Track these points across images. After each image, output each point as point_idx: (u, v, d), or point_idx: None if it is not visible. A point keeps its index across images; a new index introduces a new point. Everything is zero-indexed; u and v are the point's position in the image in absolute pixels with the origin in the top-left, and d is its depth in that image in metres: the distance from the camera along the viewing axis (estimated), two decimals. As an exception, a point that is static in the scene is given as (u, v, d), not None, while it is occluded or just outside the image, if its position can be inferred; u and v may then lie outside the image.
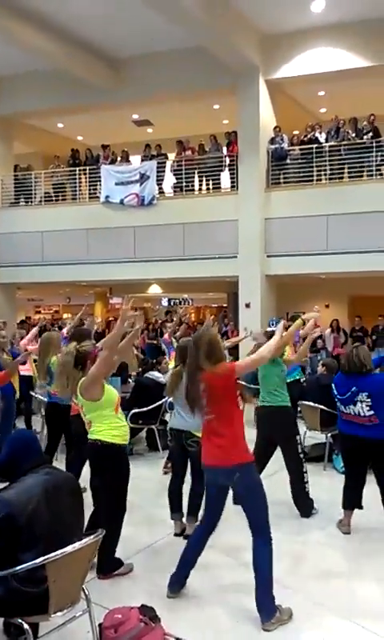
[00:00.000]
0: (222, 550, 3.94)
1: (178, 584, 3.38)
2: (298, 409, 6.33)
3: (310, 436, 6.43)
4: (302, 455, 4.77)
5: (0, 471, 2.69)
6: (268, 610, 3.08)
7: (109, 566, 3.61)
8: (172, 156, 12.41)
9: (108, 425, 3.53)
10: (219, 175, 11.78)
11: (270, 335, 4.38)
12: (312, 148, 10.85)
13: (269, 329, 6.91)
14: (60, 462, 5.29)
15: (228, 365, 3.20)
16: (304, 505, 4.69)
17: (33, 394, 7.43)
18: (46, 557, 2.37)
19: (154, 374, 6.80)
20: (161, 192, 11.99)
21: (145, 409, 6.41)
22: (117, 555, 3.69)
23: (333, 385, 4.35)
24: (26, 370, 7.35)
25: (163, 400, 6.44)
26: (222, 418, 3.13)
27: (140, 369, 7.67)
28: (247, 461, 3.15)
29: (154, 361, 7.44)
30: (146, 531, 4.39)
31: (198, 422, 4.11)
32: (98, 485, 3.65)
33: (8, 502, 2.42)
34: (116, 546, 3.63)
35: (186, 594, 3.40)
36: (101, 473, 3.59)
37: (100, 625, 2.84)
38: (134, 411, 6.37)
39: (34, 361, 9.03)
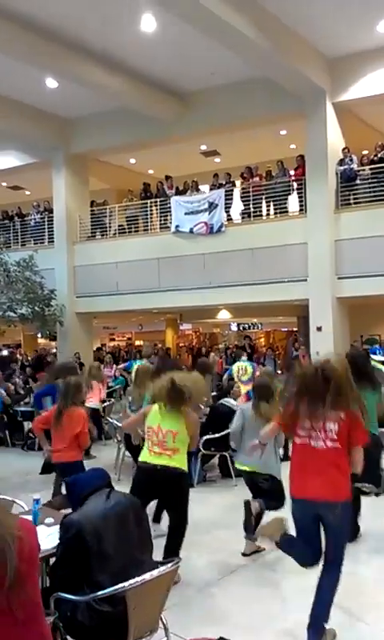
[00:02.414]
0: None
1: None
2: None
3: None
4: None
5: (71, 502, 2.82)
6: (319, 631, 3.04)
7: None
8: (239, 183, 12.61)
9: (184, 456, 3.81)
10: (287, 200, 11.80)
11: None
12: (382, 168, 10.62)
13: (375, 357, 6.93)
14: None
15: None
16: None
17: (109, 419, 7.65)
18: (127, 583, 2.41)
19: (230, 401, 6.80)
20: (229, 219, 12.17)
21: (217, 435, 6.39)
22: (196, 590, 3.75)
23: None
24: (92, 401, 7.70)
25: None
26: (343, 452, 3.08)
27: (214, 393, 7.70)
28: (349, 499, 3.13)
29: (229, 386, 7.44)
30: (221, 559, 4.34)
31: (263, 461, 4.21)
32: (174, 509, 3.85)
33: (75, 522, 2.52)
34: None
35: (266, 622, 3.32)
36: (179, 499, 3.82)
37: (178, 656, 2.82)
38: (206, 437, 6.37)
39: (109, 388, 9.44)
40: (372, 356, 7.09)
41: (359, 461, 3.12)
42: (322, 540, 3.19)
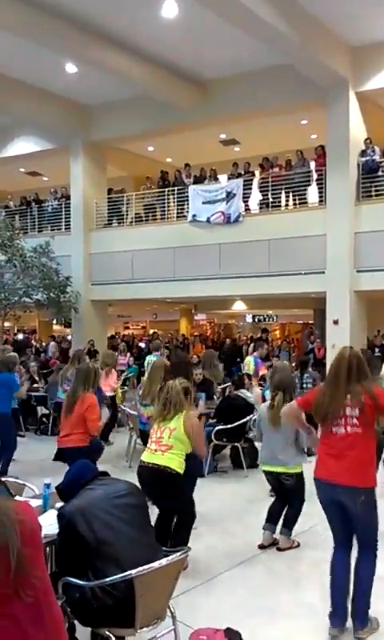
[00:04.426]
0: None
1: (339, 618, 3.14)
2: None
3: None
4: None
5: (61, 494, 2.86)
6: (363, 619, 3.10)
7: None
8: (258, 173, 12.45)
9: (181, 458, 3.71)
10: (306, 190, 11.63)
11: None
12: (406, 159, 10.40)
13: None
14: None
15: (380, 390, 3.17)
16: None
17: (122, 406, 7.70)
18: (135, 570, 2.41)
19: (245, 393, 6.76)
20: (247, 209, 12.04)
21: (229, 426, 6.36)
22: (204, 580, 3.72)
23: None
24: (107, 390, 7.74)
25: (248, 417, 6.37)
26: (365, 436, 3.07)
27: (231, 384, 7.67)
28: (374, 486, 3.12)
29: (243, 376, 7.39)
30: (231, 550, 4.33)
31: (286, 460, 4.17)
32: (172, 508, 3.80)
33: (66, 512, 2.55)
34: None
35: (274, 613, 3.30)
36: (171, 499, 3.77)
37: (185, 644, 2.82)
38: (218, 428, 6.35)
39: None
40: None
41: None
42: (348, 524, 3.19)
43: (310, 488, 5.15)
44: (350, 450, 3.04)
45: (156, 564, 2.47)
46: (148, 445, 3.84)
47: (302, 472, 4.29)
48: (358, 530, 3.13)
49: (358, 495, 3.02)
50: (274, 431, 4.27)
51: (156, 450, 3.72)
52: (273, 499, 4.52)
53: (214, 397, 7.54)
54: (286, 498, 4.36)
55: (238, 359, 12.79)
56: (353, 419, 3.05)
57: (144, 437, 5.19)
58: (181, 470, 3.68)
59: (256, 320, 21.13)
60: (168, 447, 3.69)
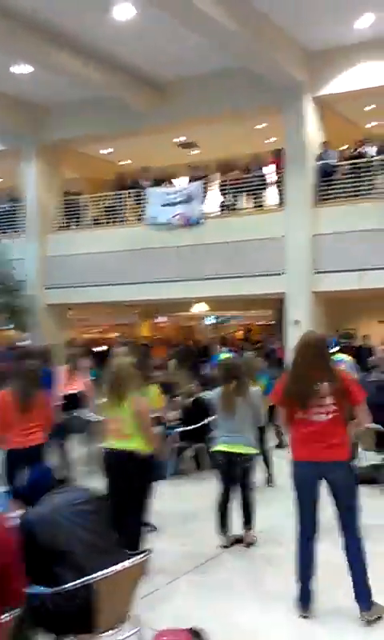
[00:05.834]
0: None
1: (306, 600, 3.23)
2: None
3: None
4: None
5: (22, 499, 2.91)
6: (367, 601, 3.14)
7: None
8: (216, 176, 12.52)
9: (141, 439, 3.79)
10: (265, 193, 11.77)
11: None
12: (361, 163, 10.68)
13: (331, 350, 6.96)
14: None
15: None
16: None
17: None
18: (97, 574, 2.35)
19: (207, 394, 6.75)
20: (207, 212, 12.08)
21: (190, 427, 6.34)
22: (168, 581, 3.71)
23: None
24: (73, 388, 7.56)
25: (211, 418, 6.36)
26: (341, 419, 3.22)
27: (194, 386, 7.62)
28: (350, 459, 3.33)
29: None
30: (194, 551, 4.30)
31: (245, 439, 4.10)
32: (127, 488, 3.80)
33: (25, 521, 2.53)
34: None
35: (238, 609, 3.27)
36: (130, 482, 3.78)
37: (149, 648, 2.75)
38: (180, 429, 6.31)
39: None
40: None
41: (364, 417, 3.29)
42: (318, 508, 3.25)
43: (276, 487, 5.16)
44: (329, 434, 3.19)
45: (119, 566, 2.43)
46: (108, 434, 3.92)
47: (255, 456, 4.33)
48: (339, 505, 3.19)
49: (340, 466, 3.19)
50: (230, 417, 4.27)
51: (118, 437, 3.82)
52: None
53: (177, 398, 7.49)
54: (236, 484, 4.29)
55: (204, 358, 12.75)
56: (330, 406, 3.19)
57: None
58: (146, 451, 3.78)
59: (219, 321, 21.21)
60: (128, 436, 3.79)
